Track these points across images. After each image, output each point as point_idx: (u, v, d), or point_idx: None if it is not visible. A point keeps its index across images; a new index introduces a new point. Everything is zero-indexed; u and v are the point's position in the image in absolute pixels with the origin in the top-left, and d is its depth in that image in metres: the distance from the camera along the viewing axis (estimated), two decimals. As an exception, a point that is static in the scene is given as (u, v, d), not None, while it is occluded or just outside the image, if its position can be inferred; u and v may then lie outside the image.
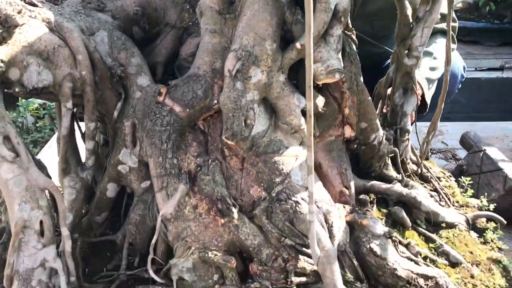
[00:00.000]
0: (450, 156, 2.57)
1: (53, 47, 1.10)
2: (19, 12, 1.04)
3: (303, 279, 1.18)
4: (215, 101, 1.23)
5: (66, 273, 1.13)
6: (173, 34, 1.37)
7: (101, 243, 1.36)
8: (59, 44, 1.11)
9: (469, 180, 1.84)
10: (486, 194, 1.93)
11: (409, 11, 1.36)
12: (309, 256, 1.19)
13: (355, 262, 1.26)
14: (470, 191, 1.76)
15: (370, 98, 1.39)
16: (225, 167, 1.26)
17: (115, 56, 1.22)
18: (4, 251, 1.27)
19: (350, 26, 1.34)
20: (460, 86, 2.34)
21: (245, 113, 1.17)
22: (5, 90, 1.07)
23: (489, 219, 1.60)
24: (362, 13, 1.92)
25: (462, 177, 1.93)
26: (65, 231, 1.12)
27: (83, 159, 1.30)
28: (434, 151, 2.58)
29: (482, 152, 2.23)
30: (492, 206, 1.69)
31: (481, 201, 1.71)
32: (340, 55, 1.20)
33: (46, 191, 1.13)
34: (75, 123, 1.32)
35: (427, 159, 1.88)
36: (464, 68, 2.30)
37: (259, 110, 1.20)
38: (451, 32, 1.69)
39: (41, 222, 1.09)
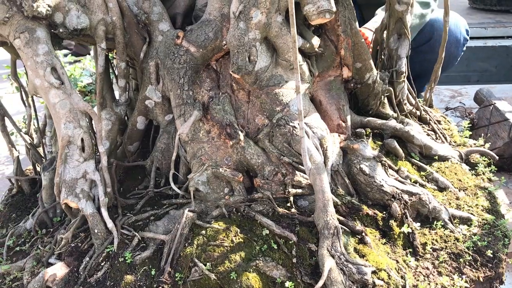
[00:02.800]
0: (466, 114, 2.67)
1: (89, -4, 1.34)
2: (62, -34, 1.28)
3: (299, 190, 1.38)
4: (224, 42, 1.44)
5: (103, 184, 1.38)
6: (190, -11, 1.59)
7: (133, 168, 1.61)
8: (91, -7, 1.35)
9: (468, 123, 1.97)
10: (492, 142, 2.05)
11: (399, -39, 1.51)
12: (304, 172, 1.39)
13: (347, 180, 1.45)
14: (468, 132, 1.89)
15: (363, 40, 1.55)
16: (234, 99, 1.48)
17: (140, 5, 1.45)
18: (54, 175, 1.54)
19: (344, -25, 1.51)
20: (464, 48, 2.42)
21: (249, 50, 1.37)
22: (52, 31, 1.32)
23: (483, 155, 1.74)
24: None
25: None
26: (101, 148, 1.37)
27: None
28: (450, 109, 2.70)
29: (492, 105, 2.33)
30: (487, 145, 1.82)
31: (478, 141, 1.84)
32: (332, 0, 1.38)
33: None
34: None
35: (431, 106, 2.02)
36: (467, 32, 2.38)
37: (261, 48, 1.40)
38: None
39: (82, 139, 1.34)
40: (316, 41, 1.47)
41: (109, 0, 1.36)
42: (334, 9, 1.37)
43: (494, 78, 3.97)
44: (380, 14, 2.03)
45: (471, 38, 4.07)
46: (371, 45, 1.73)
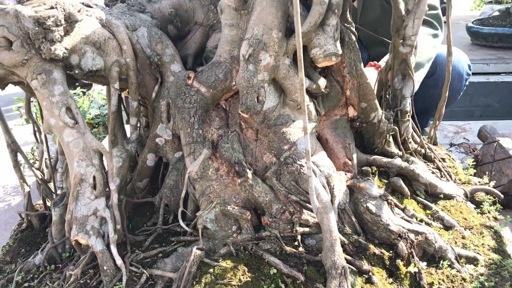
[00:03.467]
0: (470, 150, 2.69)
1: (104, 38, 1.40)
2: (79, 11, 1.34)
3: (306, 229, 1.40)
4: (234, 83, 1.48)
5: (113, 221, 1.40)
6: (201, 31, 1.65)
7: (142, 205, 1.64)
8: (109, 37, 1.41)
9: (473, 161, 1.99)
10: (497, 180, 2.07)
11: (402, 5, 1.57)
12: (311, 210, 1.41)
13: (354, 219, 1.47)
14: (472, 170, 1.91)
15: (368, 81, 1.60)
16: (243, 138, 1.51)
17: (153, 48, 1.50)
18: (64, 211, 1.57)
19: (350, 19, 1.57)
20: (467, 83, 2.47)
21: (257, 91, 1.42)
22: (68, 72, 1.37)
23: (488, 193, 1.75)
24: (366, 22, 2.15)
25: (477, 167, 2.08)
26: (112, 186, 1.40)
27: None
28: (454, 145, 2.72)
29: (496, 142, 2.36)
30: (492, 183, 1.84)
31: (482, 179, 1.86)
32: (338, 43, 1.42)
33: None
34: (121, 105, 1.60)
35: (435, 143, 2.05)
36: (469, 67, 2.43)
37: (269, 89, 1.44)
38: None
39: (94, 177, 1.37)
40: (322, 82, 1.51)
41: (124, 42, 1.41)
42: (340, 52, 1.42)
43: (497, 113, 4.01)
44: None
45: (474, 73, 4.14)
46: (376, 84, 1.77)
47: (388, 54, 1.69)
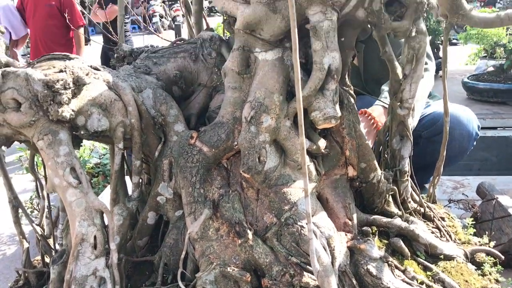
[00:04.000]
0: (469, 206, 2.70)
1: (110, 100, 1.44)
2: (87, 74, 1.39)
3: (307, 292, 1.39)
4: (236, 143, 1.51)
5: (112, 282, 1.39)
6: (204, 92, 1.70)
7: (142, 263, 1.62)
8: (115, 98, 1.45)
9: (472, 220, 1.99)
10: (497, 238, 2.06)
11: (399, 70, 1.63)
12: (312, 272, 1.40)
13: (354, 281, 1.45)
14: (472, 229, 1.91)
15: (367, 142, 1.63)
16: (243, 197, 1.52)
17: (158, 108, 1.54)
18: (63, 269, 1.56)
19: (348, 83, 1.62)
20: (474, 143, 2.52)
21: (259, 151, 1.44)
22: (74, 133, 1.40)
23: (488, 254, 1.74)
24: (369, 77, 2.22)
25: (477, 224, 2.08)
26: (113, 246, 1.40)
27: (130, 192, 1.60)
28: (453, 201, 2.73)
29: (495, 200, 2.37)
30: (492, 244, 1.84)
31: (482, 239, 1.86)
32: (337, 106, 1.46)
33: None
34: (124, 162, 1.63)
35: (434, 202, 2.06)
36: (478, 127, 2.49)
37: (270, 149, 1.47)
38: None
39: (95, 237, 1.37)
40: (322, 143, 1.54)
41: (129, 104, 1.45)
42: (339, 114, 1.45)
43: (495, 167, 4.04)
44: (385, 91, 2.13)
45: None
46: (376, 139, 1.80)
47: (384, 89, 1.73)
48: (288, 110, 1.46)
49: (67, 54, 1.45)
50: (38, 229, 1.78)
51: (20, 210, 1.72)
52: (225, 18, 1.52)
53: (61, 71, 1.36)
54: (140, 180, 1.63)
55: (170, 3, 21.33)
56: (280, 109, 1.44)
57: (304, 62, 1.48)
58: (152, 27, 20.55)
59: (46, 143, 1.34)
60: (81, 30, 5.07)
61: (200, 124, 1.69)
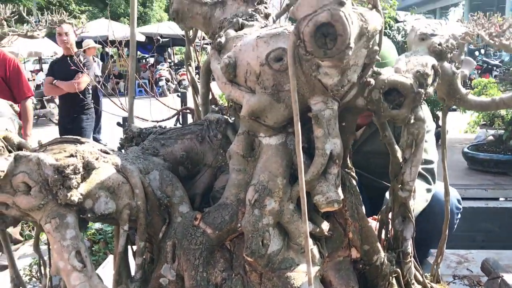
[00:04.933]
0: (474, 283, 2.66)
1: (118, 183, 1.48)
2: (97, 159, 1.44)
3: None
4: (239, 225, 1.53)
5: None
6: (209, 172, 1.73)
7: None
8: (123, 181, 1.49)
9: (479, 301, 1.96)
10: (504, 318, 2.02)
11: (399, 153, 1.67)
12: None
13: None
14: (478, 312, 1.88)
15: (370, 224, 1.64)
16: (246, 281, 1.52)
17: (164, 190, 1.58)
18: None
19: (350, 165, 1.67)
20: (459, 216, 2.54)
21: (262, 235, 1.46)
22: (80, 216, 1.42)
23: None
24: (361, 151, 2.27)
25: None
26: (113, 331, 1.38)
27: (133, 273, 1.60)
28: (458, 277, 2.69)
29: (500, 278, 2.34)
30: (500, 327, 1.80)
31: (489, 322, 1.82)
32: (339, 189, 1.49)
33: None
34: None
35: (438, 281, 2.04)
36: (458, 201, 2.53)
37: (274, 233, 1.49)
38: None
39: (96, 322, 1.36)
40: (325, 226, 1.56)
41: (136, 187, 1.49)
42: (342, 197, 1.48)
43: (499, 239, 4.01)
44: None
45: (473, 199, 4.22)
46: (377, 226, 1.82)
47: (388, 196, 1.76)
48: (292, 193, 1.49)
49: (78, 138, 1.51)
50: (40, 308, 1.75)
51: (21, 289, 1.71)
52: (230, 104, 1.59)
53: (71, 155, 1.41)
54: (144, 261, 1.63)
55: (176, 67, 22.03)
56: (283, 192, 1.47)
57: (307, 146, 1.53)
58: (158, 90, 21.10)
59: (53, 226, 1.36)
60: (29, 101, 4.78)
61: (205, 204, 1.71)
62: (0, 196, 1.39)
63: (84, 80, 5.98)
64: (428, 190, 2.27)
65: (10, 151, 1.57)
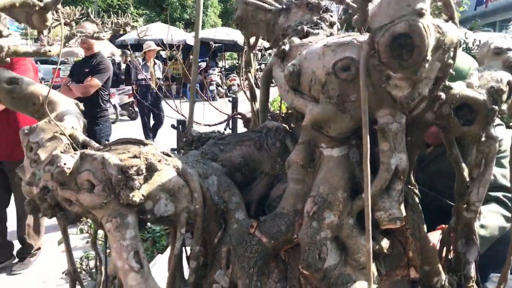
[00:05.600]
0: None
1: (178, 186, 1.48)
2: (159, 161, 1.45)
3: None
4: (295, 236, 1.50)
5: None
6: (266, 180, 1.72)
7: None
8: (182, 185, 1.49)
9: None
10: None
11: (466, 172, 1.59)
12: None
13: None
14: None
15: (431, 244, 1.57)
16: (301, 293, 1.49)
17: (221, 195, 1.57)
18: None
19: (413, 182, 1.60)
20: None
21: (319, 248, 1.42)
22: (140, 217, 1.44)
23: None
24: (427, 170, 2.19)
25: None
26: (166, 334, 1.39)
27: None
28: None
29: None
30: None
31: None
32: (402, 206, 1.44)
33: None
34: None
35: (500, 309, 1.93)
36: None
37: (331, 247, 1.45)
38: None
39: (150, 323, 1.36)
40: (385, 243, 1.50)
41: (196, 190, 1.49)
42: (404, 215, 1.42)
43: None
44: None
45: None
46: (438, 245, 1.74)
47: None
48: (352, 207, 1.45)
49: (141, 139, 1.53)
50: (96, 304, 1.79)
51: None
52: (288, 112, 1.57)
53: (135, 156, 1.43)
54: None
55: (226, 72, 22.31)
56: (343, 206, 1.43)
57: (370, 160, 1.48)
58: (209, 95, 21.44)
59: (114, 225, 1.38)
60: None
61: (260, 212, 1.70)
62: (65, 193, 1.42)
63: (92, 84, 5.55)
64: (507, 219, 2.14)
65: (75, 149, 1.62)
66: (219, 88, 19.98)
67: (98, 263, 1.79)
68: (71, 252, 1.72)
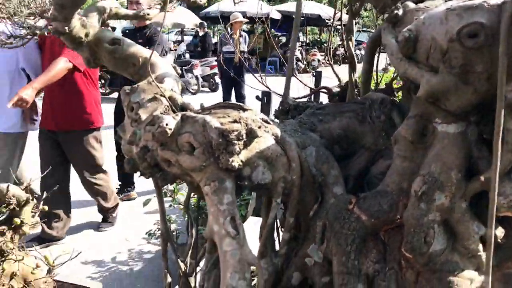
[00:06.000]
0: None
1: (276, 155, 1.43)
2: (259, 127, 1.40)
3: None
4: (398, 216, 1.40)
5: None
6: (366, 155, 1.62)
7: (279, 324, 1.56)
8: (280, 153, 1.44)
9: None
10: None
11: None
12: None
13: None
14: None
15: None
16: (400, 277, 1.39)
17: (319, 167, 1.50)
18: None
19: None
20: None
21: (426, 231, 1.32)
22: (238, 182, 1.41)
23: None
24: None
25: None
26: (259, 303, 1.36)
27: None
28: None
29: None
30: None
31: None
32: (524, 193, 1.29)
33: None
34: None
35: None
36: None
37: (439, 230, 1.33)
38: None
39: (243, 291, 1.34)
40: (500, 232, 1.36)
41: (294, 160, 1.43)
42: (526, 202, 1.27)
43: None
44: None
45: None
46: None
47: None
48: (466, 190, 1.32)
49: (241, 104, 1.49)
50: (182, 265, 1.81)
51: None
52: (404, 83, 1.45)
53: (235, 121, 1.39)
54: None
55: (307, 47, 21.97)
56: (456, 188, 1.31)
57: (489, 140, 1.34)
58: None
59: (212, 189, 1.36)
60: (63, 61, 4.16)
61: (358, 188, 1.61)
62: (165, 153, 1.42)
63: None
64: None
65: (174, 111, 1.62)
66: (299, 63, 19.73)
67: (190, 226, 1.81)
68: (165, 213, 1.75)
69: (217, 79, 13.60)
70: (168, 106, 1.60)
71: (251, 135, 1.37)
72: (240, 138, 1.34)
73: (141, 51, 1.89)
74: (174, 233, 4.45)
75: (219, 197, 1.35)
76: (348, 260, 1.40)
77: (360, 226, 1.43)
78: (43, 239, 4.51)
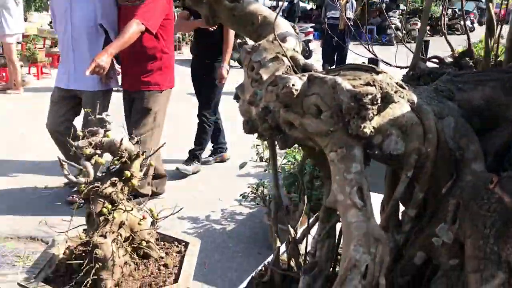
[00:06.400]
0: None
1: (411, 123, 1.31)
2: (395, 92, 1.28)
3: None
4: (551, 202, 1.23)
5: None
6: (510, 129, 1.44)
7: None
8: (416, 122, 1.31)
9: None
10: None
11: None
12: None
13: None
14: None
15: None
16: (548, 269, 1.23)
17: (457, 140, 1.35)
18: (312, 281, 1.51)
19: None
20: None
21: None
22: (367, 151, 1.31)
23: None
24: None
25: None
26: (382, 280, 1.27)
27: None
28: None
29: None
30: None
31: None
32: None
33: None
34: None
35: None
36: None
37: None
38: None
39: (366, 266, 1.26)
40: None
41: (430, 131, 1.30)
42: None
43: None
44: None
45: None
46: None
47: None
48: None
49: (373, 66, 1.37)
50: (292, 231, 1.77)
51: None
52: None
53: (368, 84, 1.28)
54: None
55: (408, 16, 20.77)
56: None
57: None
58: (384, 39, 20.35)
59: (339, 156, 1.28)
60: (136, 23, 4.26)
61: (497, 165, 1.44)
62: (288, 115, 1.35)
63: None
64: None
65: (295, 72, 1.54)
66: (398, 32, 18.73)
67: (301, 193, 1.75)
68: (277, 176, 1.71)
69: (312, 46, 13.30)
70: (290, 66, 1.53)
71: (386, 100, 1.25)
72: (375, 102, 1.23)
73: (261, 9, 1.82)
74: (267, 198, 4.47)
75: (346, 165, 1.27)
76: (486, 244, 1.26)
77: (501, 208, 1.27)
78: (145, 194, 4.78)
